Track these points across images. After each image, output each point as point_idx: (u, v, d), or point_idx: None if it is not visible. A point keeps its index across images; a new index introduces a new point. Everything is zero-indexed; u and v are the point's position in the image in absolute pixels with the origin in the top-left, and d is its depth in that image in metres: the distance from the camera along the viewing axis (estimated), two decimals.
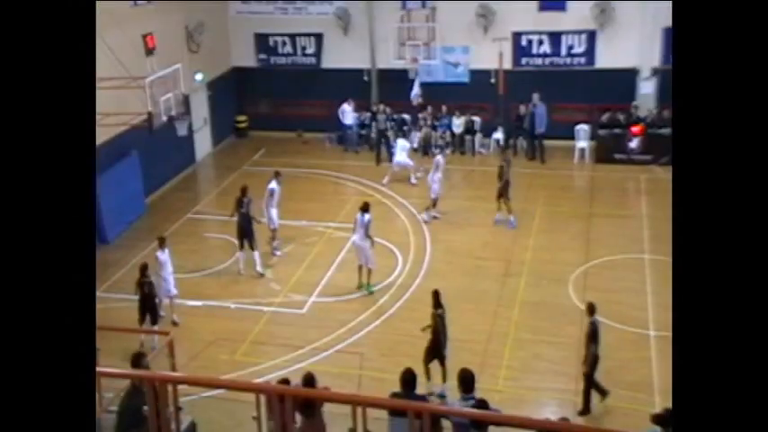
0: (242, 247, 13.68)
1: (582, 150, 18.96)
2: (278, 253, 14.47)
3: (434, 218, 15.75)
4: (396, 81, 20.57)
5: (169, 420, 5.85)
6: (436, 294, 10.04)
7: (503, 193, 15.20)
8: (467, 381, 7.24)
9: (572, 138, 19.12)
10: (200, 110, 20.19)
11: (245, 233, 13.62)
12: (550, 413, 8.89)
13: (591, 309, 9.63)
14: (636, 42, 18.89)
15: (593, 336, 9.48)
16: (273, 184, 14.27)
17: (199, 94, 19.94)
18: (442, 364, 10.01)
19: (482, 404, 6.75)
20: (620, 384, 10.07)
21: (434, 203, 15.82)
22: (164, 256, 12.14)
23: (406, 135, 19.50)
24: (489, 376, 10.17)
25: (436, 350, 10.01)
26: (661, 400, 9.45)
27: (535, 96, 18.96)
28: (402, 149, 17.71)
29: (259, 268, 13.66)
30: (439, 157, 16.13)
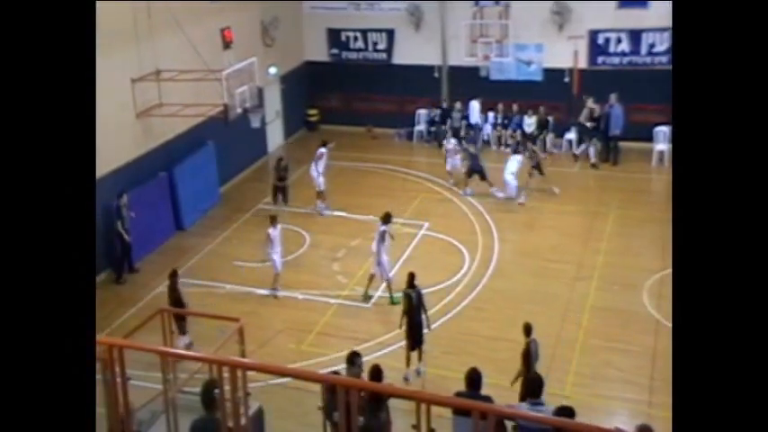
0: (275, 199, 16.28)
1: (661, 153, 18.25)
2: (326, 212, 15.98)
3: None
4: (467, 78, 20.40)
5: (238, 405, 5.97)
6: (411, 276, 10.34)
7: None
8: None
9: (650, 140, 18.48)
10: (273, 103, 20.56)
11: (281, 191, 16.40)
12: (621, 423, 8.61)
13: (527, 330, 9.18)
14: None
15: (526, 356, 9.01)
16: (323, 150, 16.24)
17: (272, 88, 20.30)
18: (418, 346, 10.25)
19: (565, 411, 6.54)
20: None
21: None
22: (275, 232, 12.80)
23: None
24: (556, 381, 9.94)
25: (410, 333, 10.18)
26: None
27: (612, 97, 18.42)
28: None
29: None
30: (518, 156, 16.30)
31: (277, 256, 12.87)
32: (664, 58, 18.90)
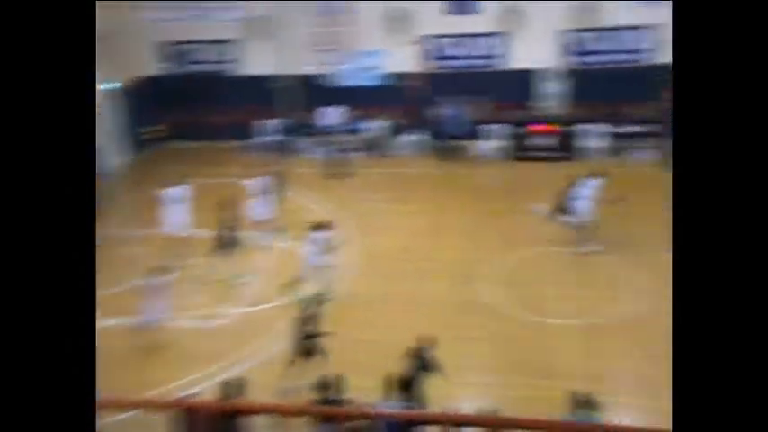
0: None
1: (493, 149, 19.58)
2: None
3: None
4: (313, 87, 20.64)
5: None
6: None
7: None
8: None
9: (485, 138, 19.73)
10: (111, 119, 19.61)
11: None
12: (482, 406, 9.11)
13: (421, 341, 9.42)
14: (543, 44, 19.67)
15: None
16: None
17: (108, 104, 19.36)
18: (304, 357, 10.10)
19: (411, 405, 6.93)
20: (528, 373, 10.54)
21: None
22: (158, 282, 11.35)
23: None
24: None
25: (299, 343, 10.02)
26: (565, 384, 9.90)
27: (449, 99, 19.47)
28: None
29: None
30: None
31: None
32: (493, 61, 20.28)
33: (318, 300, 10.39)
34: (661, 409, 9.23)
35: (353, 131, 20.56)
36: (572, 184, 14.05)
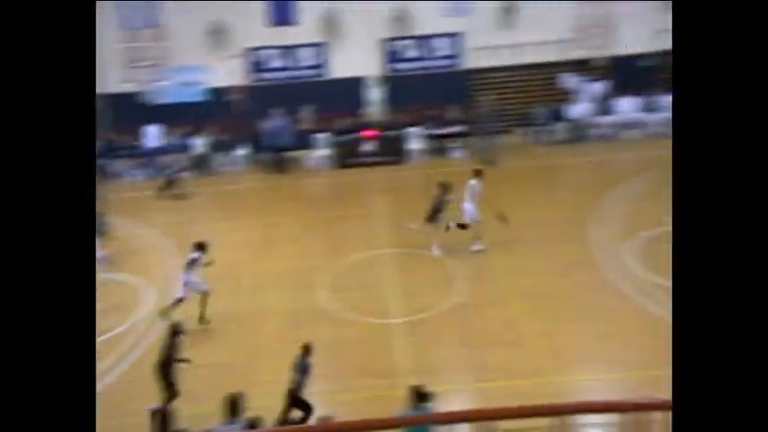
0: None
1: (321, 158, 19.86)
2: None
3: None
4: (129, 106, 19.68)
5: None
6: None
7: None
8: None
9: (312, 147, 19.96)
10: None
11: None
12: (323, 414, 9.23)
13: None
14: (362, 53, 20.29)
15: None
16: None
17: None
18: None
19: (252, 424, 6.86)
20: (370, 374, 10.80)
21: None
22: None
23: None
24: (262, 394, 9.83)
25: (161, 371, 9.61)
26: (405, 381, 10.29)
27: (275, 111, 19.46)
28: None
29: None
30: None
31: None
32: (316, 71, 20.59)
33: (174, 327, 9.93)
34: (484, 390, 9.96)
35: (178, 150, 19.86)
36: (445, 189, 14.25)
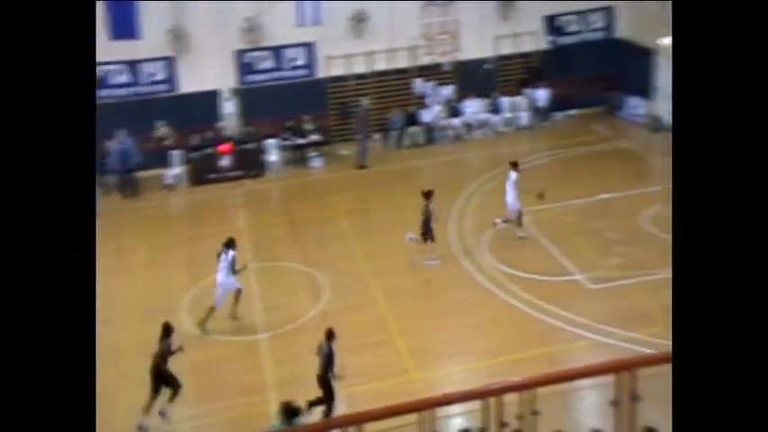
0: None
1: (175, 176, 19.03)
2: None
3: None
4: None
5: None
6: (167, 327, 10.36)
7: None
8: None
9: (165, 166, 19.09)
10: None
11: None
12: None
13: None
14: (214, 66, 19.68)
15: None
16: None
17: None
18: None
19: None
20: (241, 392, 10.52)
21: None
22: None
23: None
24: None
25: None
26: (276, 395, 10.10)
27: (120, 132, 18.38)
28: None
29: None
30: None
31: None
32: (164, 86, 19.71)
33: (166, 326, 10.35)
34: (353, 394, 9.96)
35: None
36: (428, 197, 13.93)
